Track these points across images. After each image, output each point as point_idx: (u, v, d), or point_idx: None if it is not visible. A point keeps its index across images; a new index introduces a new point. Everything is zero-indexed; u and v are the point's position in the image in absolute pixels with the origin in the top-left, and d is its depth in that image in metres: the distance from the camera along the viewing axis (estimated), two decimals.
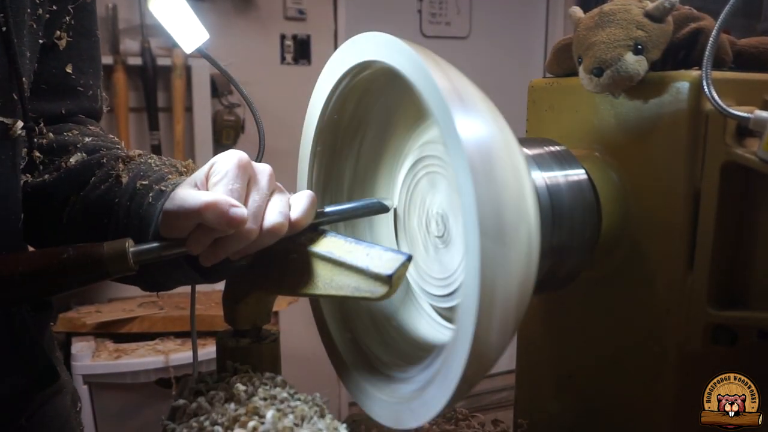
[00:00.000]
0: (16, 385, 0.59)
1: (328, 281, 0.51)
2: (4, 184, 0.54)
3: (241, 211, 0.47)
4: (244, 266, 0.55)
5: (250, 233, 0.48)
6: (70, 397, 0.74)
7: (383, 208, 0.57)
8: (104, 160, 0.58)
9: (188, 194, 0.48)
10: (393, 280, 0.46)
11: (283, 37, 2.42)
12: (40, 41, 0.59)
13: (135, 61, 2.10)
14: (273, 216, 0.50)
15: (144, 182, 0.54)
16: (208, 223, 0.47)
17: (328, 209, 0.55)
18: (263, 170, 0.51)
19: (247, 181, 0.50)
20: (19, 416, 0.63)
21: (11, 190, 0.55)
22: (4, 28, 0.52)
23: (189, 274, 0.54)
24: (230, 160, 0.49)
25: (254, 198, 0.49)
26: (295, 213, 0.51)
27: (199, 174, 0.51)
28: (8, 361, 0.58)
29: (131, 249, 0.47)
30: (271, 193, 0.51)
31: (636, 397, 0.71)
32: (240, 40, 2.32)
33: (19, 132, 0.54)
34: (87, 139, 0.62)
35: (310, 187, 0.62)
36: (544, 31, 3.10)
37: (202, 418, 0.48)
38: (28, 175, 0.59)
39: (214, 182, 0.49)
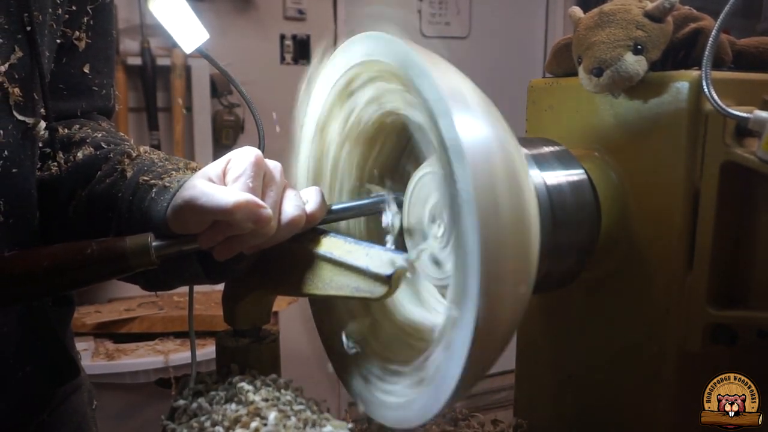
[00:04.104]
0: (37, 379, 0.60)
1: (328, 281, 0.51)
2: (21, 184, 0.55)
3: (268, 212, 0.47)
4: (247, 267, 0.55)
5: (269, 229, 0.48)
6: (87, 394, 0.75)
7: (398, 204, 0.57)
8: (111, 155, 0.58)
9: (215, 189, 0.47)
10: (392, 280, 0.46)
11: (282, 37, 2.42)
12: (58, 41, 0.59)
13: (134, 60, 2.10)
14: (290, 210, 0.50)
15: (146, 177, 0.54)
16: (235, 222, 0.47)
17: (337, 206, 0.55)
18: (276, 167, 0.52)
19: (262, 177, 0.50)
20: (41, 411, 0.63)
21: (29, 190, 0.56)
22: (28, 28, 0.52)
23: (195, 272, 0.53)
24: (247, 157, 0.49)
25: (271, 194, 0.50)
26: (310, 207, 0.52)
27: (215, 169, 0.50)
28: (30, 354, 0.59)
29: (153, 243, 0.47)
30: (283, 189, 0.52)
31: (636, 397, 0.71)
32: (240, 40, 2.31)
33: (42, 132, 0.55)
34: (96, 135, 0.62)
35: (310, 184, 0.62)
36: (543, 31, 3.10)
37: (202, 419, 0.48)
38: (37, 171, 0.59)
39: (232, 178, 0.49)
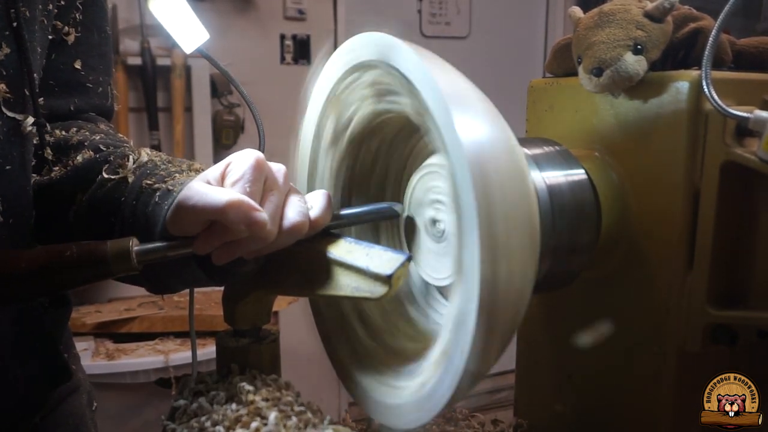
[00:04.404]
0: (29, 382, 0.59)
1: (327, 281, 0.51)
2: (15, 182, 0.54)
3: (263, 215, 0.46)
4: (254, 270, 0.54)
5: (269, 235, 0.47)
6: (86, 396, 0.73)
7: (394, 214, 0.57)
8: (111, 158, 0.57)
9: (208, 189, 0.47)
10: (393, 280, 0.46)
11: (282, 37, 2.42)
12: (49, 36, 0.59)
13: (134, 61, 2.10)
14: (293, 216, 0.49)
15: (149, 181, 0.53)
16: (228, 222, 0.45)
17: (343, 212, 0.55)
18: (279, 170, 0.50)
19: (263, 181, 0.49)
20: (34, 414, 0.62)
21: (22, 189, 0.55)
22: (15, 23, 0.51)
23: (197, 276, 0.53)
24: (247, 159, 0.48)
25: (272, 199, 0.48)
26: (314, 212, 0.51)
27: (214, 172, 0.50)
28: (22, 356, 0.58)
29: (135, 248, 0.46)
30: (287, 193, 0.50)
31: (636, 397, 0.71)
32: (240, 40, 2.31)
33: (30, 128, 0.54)
34: (95, 137, 0.61)
35: (308, 189, 0.62)
36: (544, 31, 3.10)
37: (203, 419, 0.48)
38: (34, 175, 0.59)
39: (230, 182, 0.48)
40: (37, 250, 0.46)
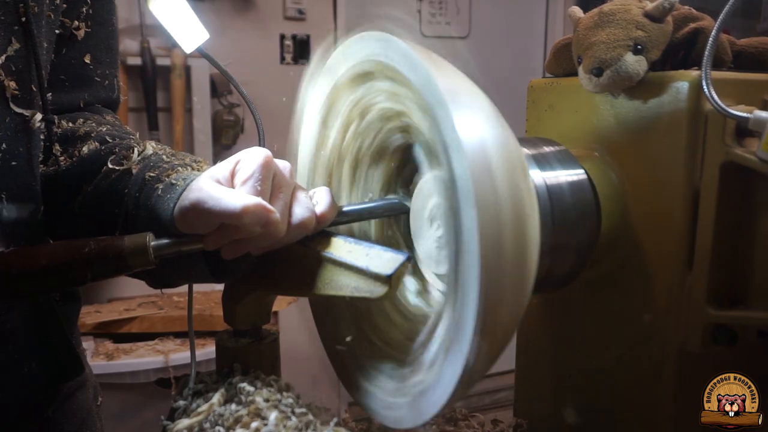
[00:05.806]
0: (42, 375, 0.60)
1: (327, 281, 0.51)
2: (20, 177, 0.54)
3: (276, 216, 0.47)
4: (256, 264, 0.54)
5: (279, 233, 0.48)
6: (92, 391, 0.75)
7: (404, 209, 0.57)
8: (116, 149, 0.57)
9: (222, 192, 0.47)
10: (392, 280, 0.46)
11: (282, 37, 2.42)
12: (57, 31, 0.59)
13: (134, 60, 2.10)
14: (301, 212, 0.50)
15: (152, 174, 0.53)
16: (243, 226, 0.46)
17: (347, 208, 0.55)
18: (285, 167, 0.51)
19: (272, 179, 0.49)
20: (46, 407, 0.63)
21: (29, 183, 0.55)
22: (23, 18, 0.52)
23: (200, 271, 0.53)
24: (256, 158, 0.49)
25: (281, 196, 0.49)
26: (320, 208, 0.51)
27: (223, 170, 0.50)
28: (36, 350, 0.58)
29: (152, 243, 0.47)
30: (293, 190, 0.51)
31: (636, 397, 0.71)
32: (240, 40, 2.31)
33: (38, 124, 0.54)
34: (101, 129, 0.61)
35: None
36: (543, 31, 3.10)
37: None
38: (41, 165, 0.59)
39: (240, 180, 0.48)
40: (55, 246, 0.47)
